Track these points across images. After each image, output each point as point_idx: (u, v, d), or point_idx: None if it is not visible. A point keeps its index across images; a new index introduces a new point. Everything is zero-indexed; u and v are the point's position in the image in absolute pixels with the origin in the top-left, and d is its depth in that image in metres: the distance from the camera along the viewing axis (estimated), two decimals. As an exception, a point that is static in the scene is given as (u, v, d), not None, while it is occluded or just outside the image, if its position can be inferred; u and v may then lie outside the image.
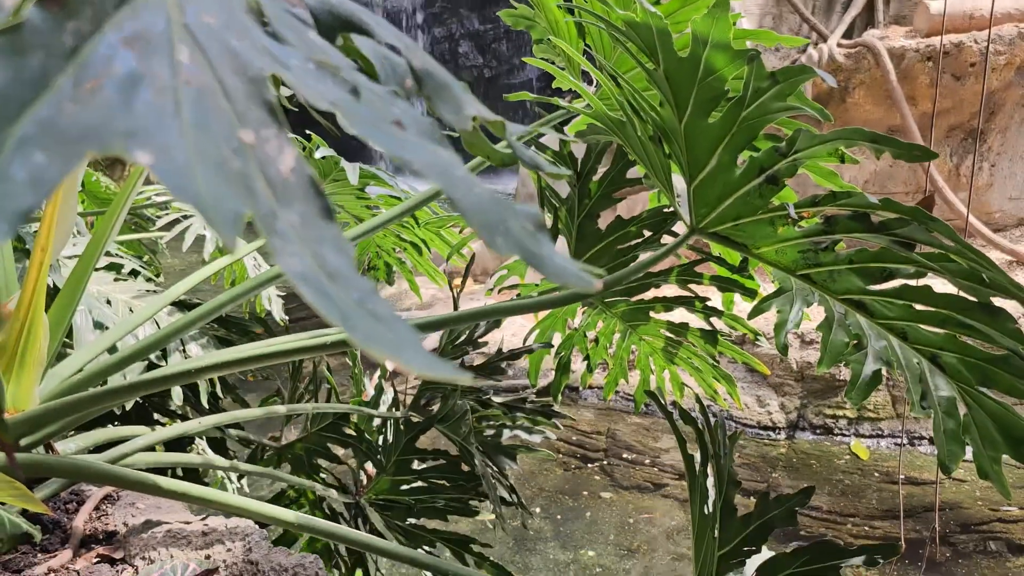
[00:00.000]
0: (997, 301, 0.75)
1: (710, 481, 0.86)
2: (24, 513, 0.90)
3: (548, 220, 1.22)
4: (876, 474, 3.08)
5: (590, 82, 2.03)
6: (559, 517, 2.74)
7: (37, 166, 0.17)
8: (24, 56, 0.18)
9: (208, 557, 0.89)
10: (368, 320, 0.18)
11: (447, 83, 0.27)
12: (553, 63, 1.15)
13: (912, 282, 0.80)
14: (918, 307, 0.80)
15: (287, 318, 1.88)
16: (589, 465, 3.17)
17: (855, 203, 0.77)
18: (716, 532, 0.82)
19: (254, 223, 0.19)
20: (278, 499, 1.37)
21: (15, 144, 0.17)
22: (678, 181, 0.90)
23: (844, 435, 3.40)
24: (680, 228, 1.05)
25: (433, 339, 3.04)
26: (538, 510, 2.78)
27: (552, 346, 1.40)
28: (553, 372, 1.45)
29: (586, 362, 1.45)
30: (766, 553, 0.82)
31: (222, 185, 0.18)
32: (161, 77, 0.19)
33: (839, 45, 4.33)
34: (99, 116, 0.18)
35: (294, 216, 0.19)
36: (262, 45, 0.22)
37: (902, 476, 3.03)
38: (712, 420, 0.87)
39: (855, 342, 0.87)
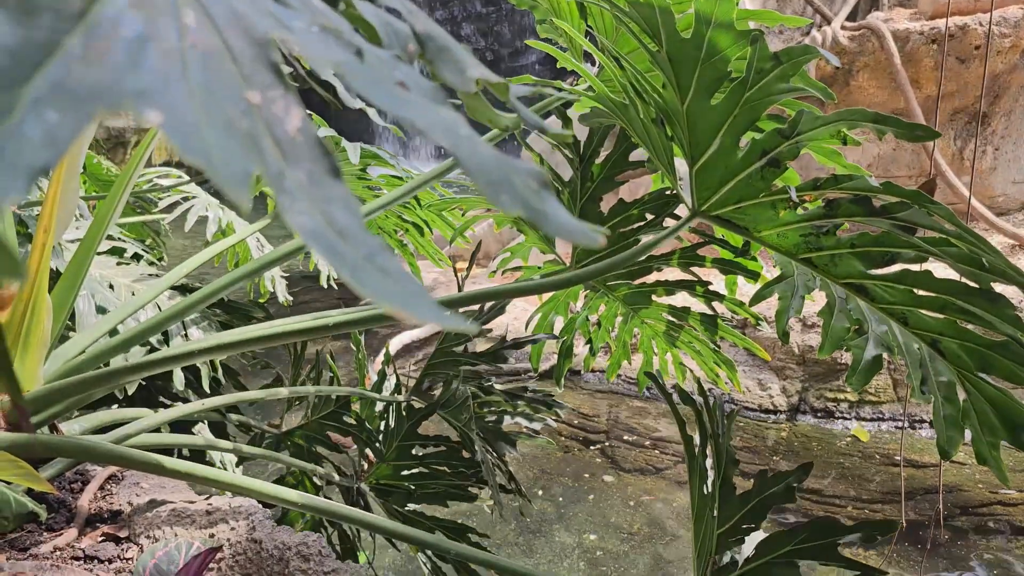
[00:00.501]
0: (998, 287, 0.75)
1: (709, 461, 0.86)
2: (30, 492, 0.90)
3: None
4: (877, 457, 3.10)
5: (593, 64, 2.02)
6: (561, 499, 2.76)
7: (51, 124, 0.17)
8: (34, 17, 0.18)
9: (212, 536, 0.90)
10: (377, 275, 0.19)
11: (449, 46, 0.28)
12: (556, 44, 1.15)
13: (913, 267, 0.80)
14: (919, 292, 0.80)
15: (291, 299, 1.88)
16: (591, 447, 3.18)
17: (856, 186, 0.77)
18: (715, 511, 0.83)
19: (263, 182, 0.19)
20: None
21: (29, 104, 0.17)
22: (680, 164, 0.90)
23: (845, 418, 3.42)
24: (682, 211, 1.05)
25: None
26: (540, 492, 2.80)
27: (556, 337, 1.40)
28: (555, 355, 1.46)
29: (588, 345, 1.45)
30: (764, 531, 0.82)
31: (231, 144, 0.18)
32: (168, 39, 0.19)
33: (843, 28, 4.30)
34: (108, 77, 0.18)
35: (302, 175, 0.19)
36: (266, 8, 0.22)
37: (901, 458, 3.04)
38: (711, 401, 0.88)
39: (856, 327, 0.87)
